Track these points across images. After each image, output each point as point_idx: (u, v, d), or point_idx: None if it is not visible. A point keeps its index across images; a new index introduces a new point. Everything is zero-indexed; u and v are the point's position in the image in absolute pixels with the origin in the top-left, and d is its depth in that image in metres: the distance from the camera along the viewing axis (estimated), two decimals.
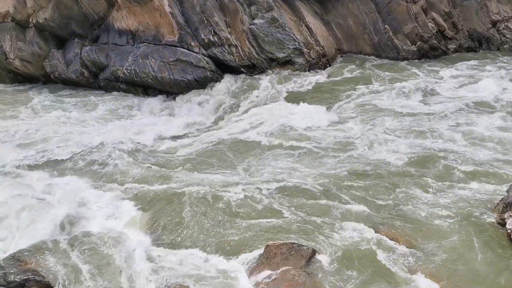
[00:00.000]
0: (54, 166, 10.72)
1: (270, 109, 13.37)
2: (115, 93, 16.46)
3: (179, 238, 7.74)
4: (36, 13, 16.96)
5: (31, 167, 10.67)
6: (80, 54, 16.89)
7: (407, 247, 7.04)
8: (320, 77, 15.35)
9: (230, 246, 7.42)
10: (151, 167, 10.42)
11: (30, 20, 17.25)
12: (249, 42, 15.64)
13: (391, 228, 7.51)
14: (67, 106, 15.58)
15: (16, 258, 6.77)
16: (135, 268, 6.96)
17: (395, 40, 16.64)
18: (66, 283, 6.63)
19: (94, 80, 17.10)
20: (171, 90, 15.66)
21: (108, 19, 16.54)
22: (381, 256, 6.90)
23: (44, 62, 17.63)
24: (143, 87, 16.19)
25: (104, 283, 6.66)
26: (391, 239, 7.22)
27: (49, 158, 11.09)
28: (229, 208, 8.36)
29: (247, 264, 6.96)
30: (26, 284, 6.37)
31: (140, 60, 15.72)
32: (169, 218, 8.21)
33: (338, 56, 17.07)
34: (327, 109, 13.13)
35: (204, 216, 8.17)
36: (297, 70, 15.64)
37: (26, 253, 7.04)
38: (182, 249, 7.46)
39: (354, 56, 17.08)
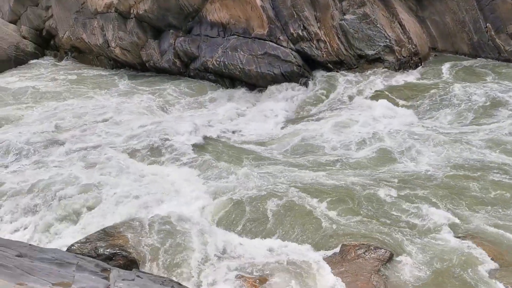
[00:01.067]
0: (147, 151, 11.32)
1: (355, 107, 13.10)
2: (204, 82, 17.02)
3: (258, 229, 7.87)
4: (136, 5, 17.97)
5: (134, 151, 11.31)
6: (174, 44, 17.65)
7: (495, 261, 6.60)
8: (411, 76, 14.72)
9: (305, 240, 7.42)
10: (235, 156, 10.69)
11: (131, 11, 18.32)
12: (338, 38, 15.41)
13: (477, 238, 7.09)
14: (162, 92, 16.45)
15: (105, 233, 7.31)
16: (210, 255, 7.19)
17: (497, 40, 15.52)
18: (147, 260, 7.04)
19: (185, 70, 17.81)
20: (257, 83, 15.89)
21: (202, 11, 17.10)
22: (464, 266, 6.53)
23: (141, 51, 18.65)
24: (230, 79, 16.59)
25: (178, 264, 6.97)
26: (478, 249, 6.81)
27: (146, 142, 11.71)
28: (309, 203, 8.36)
29: (323, 260, 6.93)
30: (113, 258, 6.84)
31: (229, 52, 16.10)
32: (249, 208, 8.38)
33: (432, 55, 16.27)
34: (414, 110, 12.61)
35: (284, 209, 8.24)
36: (386, 68, 15.15)
37: (113, 229, 7.55)
38: (259, 239, 7.59)
39: (449, 55, 16.16)
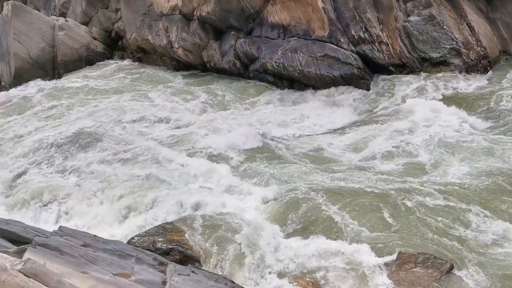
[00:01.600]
0: (202, 150, 11.56)
1: (416, 111, 12.69)
2: (263, 84, 17.11)
3: (313, 230, 7.83)
4: (200, 7, 18.41)
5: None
6: (235, 46, 17.90)
7: None
8: (478, 81, 14.05)
9: (360, 244, 7.29)
10: (291, 157, 10.70)
11: (195, 13, 18.79)
12: (401, 40, 15.00)
13: None
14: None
15: (164, 228, 7.56)
16: (264, 255, 7.23)
17: None
18: (202, 256, 7.20)
19: (245, 71, 18.00)
20: (316, 85, 15.78)
21: (263, 13, 17.23)
22: None
23: (202, 52, 19.07)
24: (289, 81, 16.59)
25: (231, 262, 7.07)
26: None
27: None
28: (363, 206, 8.21)
29: (381, 266, 6.79)
30: (170, 253, 7.06)
31: (289, 54, 16.11)
32: (304, 209, 8.35)
33: (503, 58, 15.45)
34: (478, 117, 12.01)
35: (338, 211, 8.14)
36: (451, 71, 14.56)
37: (171, 225, 7.79)
38: (314, 240, 7.54)
39: None
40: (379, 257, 6.99)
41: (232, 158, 10.91)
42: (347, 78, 15.17)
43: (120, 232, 8.48)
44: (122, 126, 13.47)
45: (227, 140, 11.78)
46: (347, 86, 15.11)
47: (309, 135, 12.62)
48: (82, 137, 12.33)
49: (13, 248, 5.64)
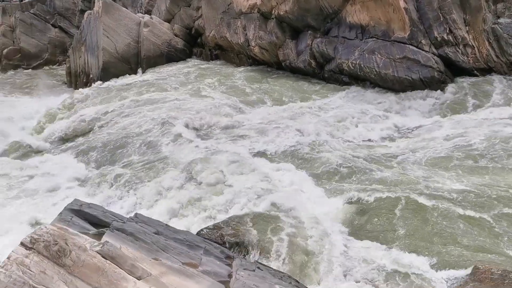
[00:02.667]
0: (275, 151, 11.63)
1: (505, 117, 11.94)
2: (338, 84, 16.89)
3: (381, 236, 7.64)
4: (278, 6, 18.51)
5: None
6: (311, 45, 17.82)
7: None
8: None
9: (432, 256, 7.00)
10: (363, 161, 10.48)
11: (273, 12, 18.93)
12: (489, 43, 14.15)
13: None
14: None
15: (232, 222, 7.71)
16: (330, 257, 7.16)
17: None
18: (269, 253, 7.26)
19: (320, 71, 17.87)
20: (392, 87, 15.32)
21: (341, 13, 16.99)
22: None
23: (278, 50, 19.17)
24: (364, 82, 16.24)
25: (297, 262, 7.06)
26: None
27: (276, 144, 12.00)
28: (437, 214, 7.87)
29: (450, 280, 6.48)
30: (237, 247, 7.20)
31: (366, 55, 15.76)
32: (375, 215, 8.16)
33: None
34: None
35: (412, 221, 7.87)
36: None
37: (240, 220, 7.92)
38: (381, 247, 7.35)
39: None
40: (452, 269, 6.68)
41: (305, 159, 10.88)
42: (427, 81, 14.57)
43: (190, 223, 8.77)
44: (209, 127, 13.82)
45: (298, 140, 11.81)
46: (426, 89, 14.52)
47: (382, 137, 12.28)
48: (157, 133, 12.90)
49: (93, 230, 6.03)
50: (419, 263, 6.87)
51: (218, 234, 7.38)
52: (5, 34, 29.43)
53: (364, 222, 8.09)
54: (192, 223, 8.78)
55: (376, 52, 15.51)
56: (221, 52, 22.88)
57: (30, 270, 5.08)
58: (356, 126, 13.14)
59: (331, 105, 15.20)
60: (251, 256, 7.09)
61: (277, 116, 14.05)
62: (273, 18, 19.04)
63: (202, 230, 7.63)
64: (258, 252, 7.20)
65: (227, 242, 7.25)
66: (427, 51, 14.67)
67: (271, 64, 20.05)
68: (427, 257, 7.02)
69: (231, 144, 12.09)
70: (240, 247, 7.19)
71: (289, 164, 10.76)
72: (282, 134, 12.39)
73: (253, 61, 20.75)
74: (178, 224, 8.52)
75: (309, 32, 18.02)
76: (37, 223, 9.11)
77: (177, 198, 9.72)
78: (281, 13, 18.44)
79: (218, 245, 6.62)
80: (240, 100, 16.08)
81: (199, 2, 23.40)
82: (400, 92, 14.98)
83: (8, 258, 5.23)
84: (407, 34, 14.97)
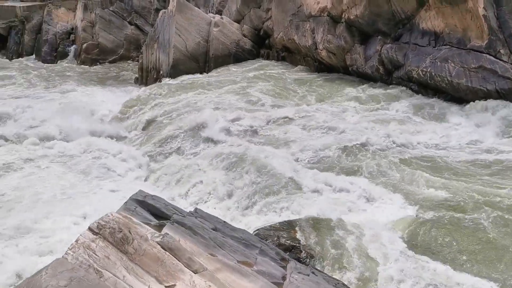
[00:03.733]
0: (340, 157, 11.47)
1: None
2: (406, 91, 16.37)
3: (448, 255, 7.31)
4: (349, 10, 18.26)
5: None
6: (380, 51, 17.41)
7: None
8: None
9: (496, 283, 6.62)
10: (438, 172, 10.10)
11: (343, 16, 18.70)
12: None
13: None
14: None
15: (290, 225, 7.71)
16: (389, 271, 6.96)
17: None
18: (324, 259, 7.18)
19: (388, 77, 17.43)
20: (465, 97, 14.64)
21: (415, 19, 16.47)
22: None
23: (346, 55, 18.91)
24: (434, 90, 15.65)
25: (353, 271, 6.92)
26: None
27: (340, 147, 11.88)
28: None
29: None
30: (292, 250, 7.19)
31: (439, 63, 15.17)
32: (442, 231, 7.82)
33: None
34: None
35: (484, 240, 7.46)
36: None
37: (298, 223, 7.91)
38: (446, 267, 7.03)
39: None
40: None
41: (371, 167, 10.67)
42: (504, 93, 13.78)
43: (247, 222, 8.87)
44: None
45: (367, 148, 11.61)
46: (503, 101, 13.73)
47: (457, 149, 11.78)
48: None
49: (155, 221, 6.25)
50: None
51: (274, 236, 7.41)
52: (85, 30, 31.16)
53: (429, 237, 7.78)
54: (249, 222, 8.88)
55: (449, 61, 14.88)
56: (288, 54, 22.91)
57: (95, 254, 5.35)
58: (426, 135, 12.72)
59: (398, 112, 14.79)
60: (306, 261, 7.05)
61: (348, 120, 13.88)
62: (342, 22, 18.80)
63: (258, 230, 7.69)
64: (314, 257, 7.15)
65: (283, 244, 7.26)
66: (505, 61, 13.87)
67: (337, 68, 19.82)
68: (491, 283, 6.64)
69: (290, 146, 12.07)
70: (296, 250, 7.17)
71: (353, 169, 10.58)
72: (352, 139, 12.21)
73: (320, 64, 20.60)
74: (235, 222, 8.65)
75: (379, 37, 17.62)
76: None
77: (236, 196, 9.86)
78: (351, 17, 18.17)
79: (273, 246, 6.65)
80: (305, 103, 16.04)
81: (269, 4, 23.57)
82: (471, 102, 14.28)
83: (76, 241, 5.55)
84: (485, 42, 14.23)
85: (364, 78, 18.38)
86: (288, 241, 7.36)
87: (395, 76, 16.98)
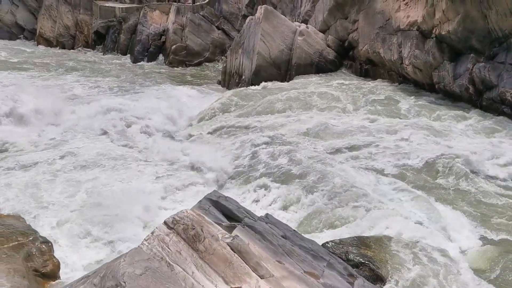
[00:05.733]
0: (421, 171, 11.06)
1: None
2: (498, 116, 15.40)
3: None
4: (441, 25, 17.54)
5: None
6: (471, 69, 16.55)
7: None
8: None
9: None
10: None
11: (433, 31, 17.99)
12: None
13: None
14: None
15: (359, 241, 7.55)
16: None
17: None
18: (392, 280, 6.94)
19: (477, 98, 16.52)
20: None
21: None
22: None
23: (433, 72, 18.18)
24: None
25: None
26: None
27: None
28: None
29: None
30: (360, 267, 7.03)
31: None
32: None
33: None
34: None
35: None
36: None
37: (368, 240, 7.72)
38: None
39: None
40: None
41: (444, 187, 10.21)
42: None
43: (315, 232, 8.80)
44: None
45: (456, 167, 11.14)
46: None
47: None
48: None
49: (226, 222, 6.40)
50: None
51: (343, 250, 7.29)
52: (175, 32, 32.62)
53: (508, 270, 7.28)
54: (317, 233, 8.81)
55: None
56: (372, 67, 22.46)
57: (168, 248, 5.58)
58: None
59: (488, 135, 13.97)
60: (374, 280, 6.86)
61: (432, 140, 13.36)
62: (432, 37, 18.10)
63: (327, 242, 7.60)
64: (382, 277, 6.94)
65: (352, 260, 7.12)
66: None
67: (422, 85, 19.10)
68: None
69: (376, 159, 11.82)
70: (364, 268, 7.00)
71: (430, 191, 10.16)
72: (431, 158, 11.74)
73: (404, 80, 19.98)
74: (303, 231, 8.61)
75: (471, 55, 16.75)
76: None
77: (306, 206, 9.82)
78: (443, 32, 17.44)
79: (342, 261, 6.55)
80: (383, 119, 15.64)
81: (357, 16, 23.27)
82: None
83: (152, 233, 5.83)
84: None
85: (451, 96, 17.56)
86: (357, 258, 7.20)
87: (486, 97, 16.06)
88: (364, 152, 12.50)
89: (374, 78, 21.77)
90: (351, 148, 12.89)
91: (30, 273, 6.92)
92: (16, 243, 7.41)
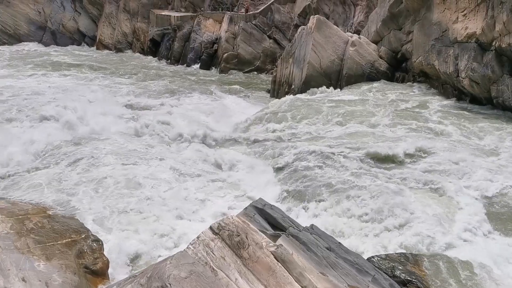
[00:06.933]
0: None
1: None
2: None
3: None
4: (501, 37, 16.85)
5: None
6: None
7: None
8: None
9: None
10: None
11: (493, 43, 17.31)
12: None
13: None
14: None
15: (406, 257, 7.32)
16: None
17: None
18: None
19: None
20: None
21: None
22: None
23: (491, 85, 17.48)
24: None
25: None
26: None
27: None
28: None
29: None
30: (407, 285, 6.81)
31: None
32: None
33: None
34: None
35: None
36: None
37: (415, 257, 7.47)
38: None
39: None
40: None
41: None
42: None
43: (361, 246, 8.64)
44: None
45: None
46: None
47: None
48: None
49: (271, 231, 6.39)
50: None
51: (389, 266, 7.10)
52: (228, 40, 33.15)
53: None
54: (362, 247, 8.63)
55: None
56: (425, 80, 21.87)
57: (213, 253, 5.65)
58: None
59: None
60: None
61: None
62: (492, 50, 17.42)
63: (373, 257, 7.43)
64: None
65: (398, 276, 6.92)
66: None
67: (479, 99, 18.38)
68: None
69: (416, 177, 11.47)
70: (412, 286, 6.78)
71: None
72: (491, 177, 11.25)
73: (459, 93, 19.31)
74: (348, 244, 8.47)
75: None
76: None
77: (353, 219, 9.66)
78: (503, 45, 16.75)
79: (387, 277, 6.38)
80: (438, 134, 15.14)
81: (412, 27, 22.76)
82: None
83: (198, 238, 5.92)
84: None
85: (510, 111, 16.80)
86: (404, 274, 6.99)
87: None
88: (424, 168, 12.08)
89: (427, 90, 21.19)
90: (409, 163, 12.47)
91: (80, 269, 7.19)
92: (69, 240, 7.72)
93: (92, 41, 42.44)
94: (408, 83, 22.57)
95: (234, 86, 27.62)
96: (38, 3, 42.60)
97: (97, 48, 40.77)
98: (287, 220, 6.72)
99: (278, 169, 12.76)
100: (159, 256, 8.42)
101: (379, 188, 10.59)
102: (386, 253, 7.80)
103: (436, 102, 18.90)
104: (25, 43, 41.14)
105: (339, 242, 6.66)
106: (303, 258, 5.86)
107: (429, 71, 21.26)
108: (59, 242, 7.57)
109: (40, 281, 6.55)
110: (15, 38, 41.48)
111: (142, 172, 12.04)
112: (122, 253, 8.52)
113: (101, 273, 7.41)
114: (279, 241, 6.14)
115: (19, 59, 33.85)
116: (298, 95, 21.19)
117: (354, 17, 30.23)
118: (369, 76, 23.03)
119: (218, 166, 13.18)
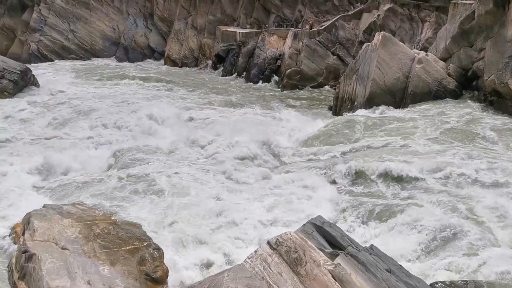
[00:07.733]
0: None
1: None
2: None
3: None
4: None
5: None
6: None
7: None
8: None
9: None
10: None
11: None
12: None
13: None
14: None
15: (473, 284, 6.93)
16: None
17: None
18: None
19: None
20: None
21: None
22: None
23: None
24: None
25: None
26: None
27: None
28: None
29: None
30: None
31: None
32: None
33: None
34: None
35: None
36: None
37: (483, 284, 7.07)
38: None
39: None
40: None
41: None
42: None
43: (423, 271, 8.30)
44: None
45: None
46: None
47: None
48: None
49: (329, 249, 6.31)
50: None
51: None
52: (291, 56, 33.32)
53: None
54: (425, 271, 8.29)
55: None
56: (498, 99, 20.79)
57: (270, 268, 5.66)
58: None
59: None
60: None
61: None
62: None
63: (436, 283, 7.10)
64: None
65: None
66: None
67: None
68: None
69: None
70: None
71: None
72: None
73: None
74: (409, 268, 8.17)
75: None
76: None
77: (414, 243, 9.31)
78: None
79: None
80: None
81: (484, 44, 21.80)
82: None
83: (255, 252, 5.96)
84: None
85: None
86: None
87: None
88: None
89: (499, 110, 20.13)
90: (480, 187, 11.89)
91: (141, 276, 7.44)
92: (132, 247, 8.03)
93: (160, 56, 44.17)
94: (477, 103, 21.50)
95: (295, 101, 27.67)
96: (113, 20, 45.03)
97: (165, 63, 42.34)
98: (346, 239, 6.60)
99: (337, 187, 12.58)
100: (218, 267, 8.52)
101: (444, 210, 10.15)
102: (451, 280, 7.43)
103: None
104: (100, 58, 43.49)
105: (400, 265, 6.44)
106: (362, 279, 5.73)
107: (502, 90, 20.20)
108: (123, 248, 7.89)
109: (104, 285, 6.84)
110: (91, 53, 43.95)
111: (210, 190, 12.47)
112: (181, 263, 8.72)
113: (160, 281, 7.63)
114: (337, 260, 6.05)
115: (107, 73, 35.56)
116: (359, 111, 20.88)
117: (421, 33, 29.45)
118: (436, 94, 22.21)
119: (277, 182, 13.24)
